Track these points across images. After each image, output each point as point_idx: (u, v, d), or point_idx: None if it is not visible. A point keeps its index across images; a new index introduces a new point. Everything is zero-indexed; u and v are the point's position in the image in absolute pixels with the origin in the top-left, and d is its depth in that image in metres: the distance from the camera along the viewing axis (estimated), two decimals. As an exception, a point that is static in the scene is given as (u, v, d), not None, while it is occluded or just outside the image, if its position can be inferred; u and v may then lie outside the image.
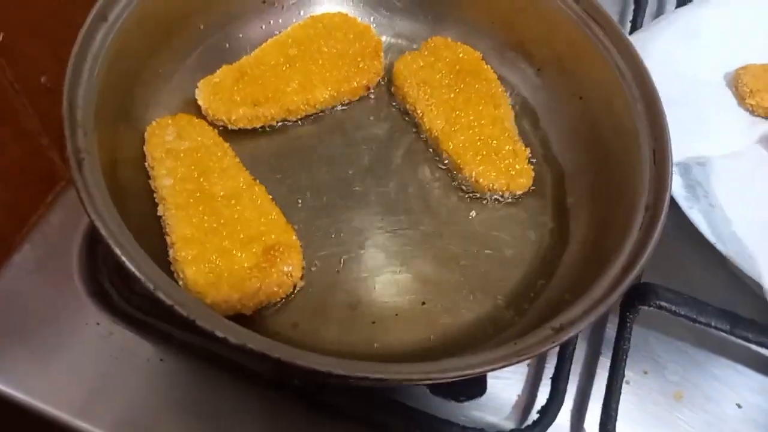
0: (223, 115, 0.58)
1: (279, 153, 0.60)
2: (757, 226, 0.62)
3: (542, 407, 0.54)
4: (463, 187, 0.60)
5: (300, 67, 0.61)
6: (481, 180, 0.58)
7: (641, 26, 0.79)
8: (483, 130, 0.60)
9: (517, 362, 0.42)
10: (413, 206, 0.59)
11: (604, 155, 0.58)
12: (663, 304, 0.56)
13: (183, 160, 0.54)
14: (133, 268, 0.41)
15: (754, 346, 0.60)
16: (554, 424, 0.53)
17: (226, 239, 0.51)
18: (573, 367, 0.56)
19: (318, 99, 0.61)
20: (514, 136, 0.61)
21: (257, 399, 0.53)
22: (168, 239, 0.51)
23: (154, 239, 0.51)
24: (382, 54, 0.65)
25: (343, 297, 0.53)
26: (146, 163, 0.55)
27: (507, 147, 0.60)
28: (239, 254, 0.50)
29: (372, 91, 0.65)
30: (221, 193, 0.53)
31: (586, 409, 0.57)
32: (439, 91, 0.62)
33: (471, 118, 0.61)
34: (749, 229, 0.61)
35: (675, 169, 0.52)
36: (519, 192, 0.59)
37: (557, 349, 0.56)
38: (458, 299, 0.54)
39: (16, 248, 0.58)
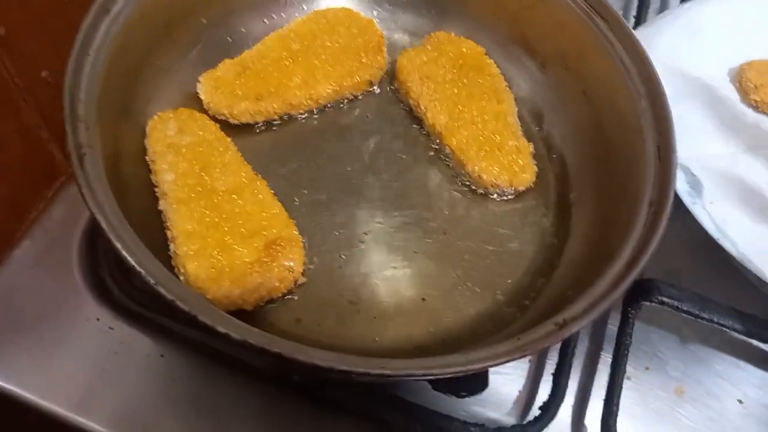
0: (225, 110, 0.58)
1: (281, 148, 0.60)
2: (760, 222, 0.62)
3: (544, 403, 0.54)
4: (466, 183, 0.60)
5: (303, 62, 0.61)
6: (484, 176, 0.58)
7: (645, 22, 0.79)
8: (486, 125, 0.60)
9: (520, 358, 0.42)
10: (415, 201, 0.59)
11: (608, 151, 0.58)
12: (666, 300, 0.56)
13: (184, 154, 0.54)
14: (133, 263, 0.41)
15: (756, 342, 0.60)
16: (555, 419, 0.54)
17: (228, 234, 0.50)
18: (574, 362, 0.56)
19: (321, 94, 0.61)
20: (517, 132, 0.61)
21: (257, 394, 0.53)
22: (169, 234, 0.51)
23: (155, 234, 0.51)
24: (385, 49, 0.64)
25: (344, 292, 0.53)
26: (147, 158, 0.55)
27: (510, 143, 0.60)
28: (241, 249, 0.50)
29: (375, 86, 0.64)
30: (223, 188, 0.53)
31: (587, 404, 0.57)
32: (442, 86, 0.62)
33: (474, 113, 0.61)
34: (752, 224, 0.61)
35: (678, 165, 0.52)
36: (522, 188, 0.59)
37: (559, 344, 0.57)
38: (459, 295, 0.54)
39: (16, 243, 0.58)
